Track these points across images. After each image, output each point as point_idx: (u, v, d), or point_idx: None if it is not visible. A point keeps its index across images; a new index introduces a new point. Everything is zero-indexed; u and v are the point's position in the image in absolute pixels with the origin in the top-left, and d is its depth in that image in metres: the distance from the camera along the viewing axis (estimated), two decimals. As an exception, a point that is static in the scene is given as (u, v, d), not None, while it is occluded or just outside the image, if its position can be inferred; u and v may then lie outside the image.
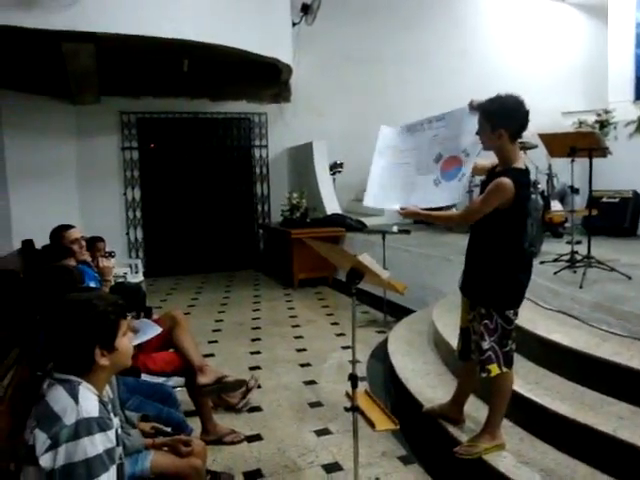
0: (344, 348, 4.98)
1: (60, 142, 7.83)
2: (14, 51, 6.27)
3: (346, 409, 2.50)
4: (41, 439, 1.36)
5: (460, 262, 3.25)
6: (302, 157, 8.77)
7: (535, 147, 5.55)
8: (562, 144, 3.92)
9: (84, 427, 1.37)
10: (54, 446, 1.35)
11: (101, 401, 1.47)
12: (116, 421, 1.63)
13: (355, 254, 2.36)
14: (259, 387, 4.00)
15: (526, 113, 2.49)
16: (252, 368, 4.50)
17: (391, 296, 5.94)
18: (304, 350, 4.94)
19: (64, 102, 7.69)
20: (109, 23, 5.54)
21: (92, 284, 3.43)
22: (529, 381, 2.97)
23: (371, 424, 2.35)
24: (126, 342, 1.56)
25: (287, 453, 3.09)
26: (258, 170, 9.33)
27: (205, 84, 8.45)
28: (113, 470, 1.42)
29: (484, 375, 2.54)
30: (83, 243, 3.42)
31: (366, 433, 3.23)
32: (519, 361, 3.24)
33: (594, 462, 2.43)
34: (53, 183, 7.70)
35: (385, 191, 2.98)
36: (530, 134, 5.11)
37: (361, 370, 4.37)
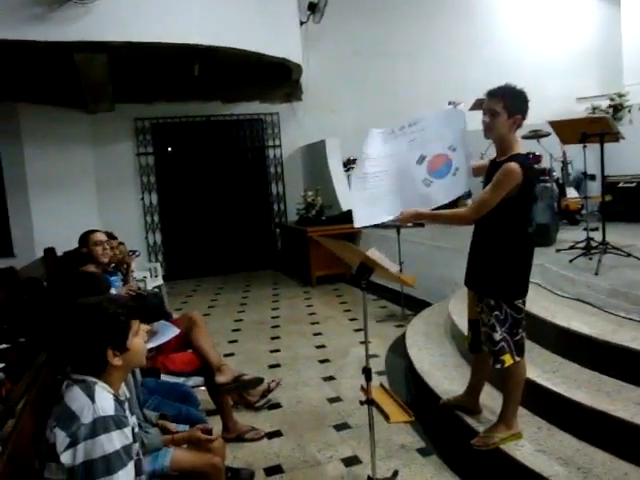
0: (362, 343, 4.95)
1: (77, 151, 7.99)
2: (30, 64, 6.41)
3: (361, 402, 2.53)
4: (61, 437, 1.42)
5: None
6: (316, 155, 8.80)
7: (548, 135, 5.50)
8: (573, 130, 3.88)
9: (101, 425, 1.42)
10: (73, 444, 1.41)
11: (117, 399, 1.53)
12: (133, 419, 1.69)
13: (362, 249, 2.38)
14: (279, 384, 4.05)
15: (528, 104, 2.52)
16: (272, 366, 4.55)
17: (408, 290, 5.95)
18: (323, 347, 4.98)
19: (80, 111, 7.83)
20: (119, 31, 5.63)
21: (113, 290, 3.53)
22: (546, 370, 2.96)
23: (386, 416, 2.37)
24: (138, 342, 1.61)
25: (307, 448, 3.14)
26: (273, 170, 9.39)
27: (217, 87, 8.53)
28: (131, 465, 1.47)
29: (498, 366, 2.55)
30: (107, 246, 3.49)
31: (385, 426, 3.27)
32: (535, 349, 3.25)
33: (612, 449, 2.43)
34: (72, 191, 7.86)
35: (371, 205, 2.85)
36: (543, 121, 5.09)
37: (379, 364, 4.41)
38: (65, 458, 1.40)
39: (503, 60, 9.18)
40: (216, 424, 3.30)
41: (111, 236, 3.91)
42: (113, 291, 3.44)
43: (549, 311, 3.35)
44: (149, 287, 5.81)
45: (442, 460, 2.89)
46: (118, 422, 1.46)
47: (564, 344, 3.09)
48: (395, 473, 2.73)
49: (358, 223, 2.83)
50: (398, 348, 4.64)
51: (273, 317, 6.17)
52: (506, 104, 2.47)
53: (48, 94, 7.36)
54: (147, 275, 6.11)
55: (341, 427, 3.36)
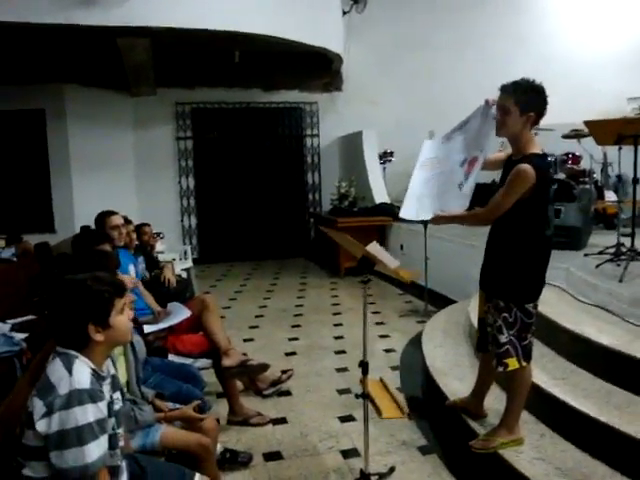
0: (381, 337, 4.98)
1: (119, 132, 8.22)
2: (76, 47, 6.62)
3: (357, 396, 2.52)
4: (38, 406, 1.48)
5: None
6: (352, 146, 8.76)
7: (589, 135, 5.28)
8: (608, 131, 3.70)
9: (76, 397, 1.47)
10: (49, 413, 1.46)
11: (96, 374, 1.57)
12: (116, 395, 1.74)
13: (363, 245, 2.36)
14: (289, 377, 4.06)
15: (547, 99, 2.40)
16: (288, 354, 4.58)
17: (434, 286, 5.89)
18: (341, 338, 4.98)
19: (123, 94, 8.05)
20: (161, 17, 5.75)
21: (131, 267, 3.63)
22: (556, 376, 2.87)
23: (378, 411, 2.35)
24: (122, 319, 1.65)
25: (309, 437, 3.15)
26: (309, 159, 9.40)
27: (257, 74, 8.59)
28: (104, 439, 1.52)
29: (501, 369, 2.48)
30: (123, 230, 3.57)
31: (390, 422, 3.27)
32: (548, 355, 3.17)
33: (615, 463, 2.34)
34: (112, 172, 8.10)
35: (421, 202, 2.97)
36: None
37: (395, 359, 4.39)
38: (40, 426, 1.46)
39: (552, 56, 8.85)
40: (223, 407, 3.38)
41: (126, 220, 3.99)
42: (132, 271, 3.56)
43: (566, 316, 3.24)
44: (177, 269, 5.93)
45: (441, 460, 2.85)
46: (93, 396, 1.50)
47: (577, 351, 2.99)
48: (391, 469, 2.72)
49: (403, 215, 3.03)
50: (416, 344, 4.59)
51: (297, 305, 6.21)
52: (518, 100, 2.37)
53: (93, 77, 7.61)
54: (176, 257, 6.22)
55: (346, 419, 3.35)
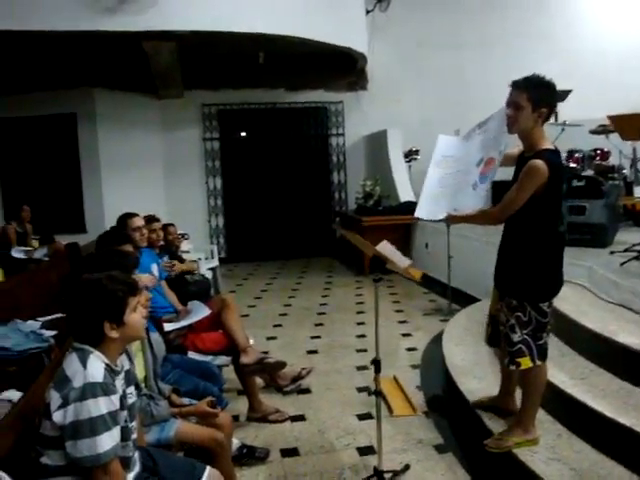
0: (404, 335, 4.99)
1: (147, 134, 8.42)
2: (105, 52, 6.81)
3: (369, 393, 2.54)
4: (55, 398, 1.56)
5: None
6: (377, 145, 8.75)
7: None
8: (632, 126, 3.63)
9: (89, 390, 1.54)
10: (64, 405, 1.54)
11: (109, 369, 1.64)
12: (130, 389, 1.81)
13: (372, 245, 2.39)
14: (309, 372, 4.11)
15: (557, 95, 2.39)
16: (310, 352, 4.63)
17: (459, 285, 5.86)
18: (363, 336, 4.99)
19: (150, 97, 8.26)
20: (185, 21, 5.86)
21: (154, 266, 3.72)
22: (574, 376, 2.84)
23: (390, 409, 2.37)
24: (135, 317, 1.72)
25: (326, 434, 3.19)
26: (335, 158, 9.43)
27: (282, 75, 8.66)
28: (116, 431, 1.58)
29: (512, 367, 2.47)
30: (145, 231, 3.65)
31: (407, 420, 3.28)
32: (568, 354, 3.13)
33: (633, 465, 2.30)
34: (141, 172, 8.30)
35: (436, 201, 3.01)
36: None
37: (416, 357, 4.38)
38: (57, 417, 1.54)
39: (580, 52, 8.69)
40: (243, 404, 3.45)
41: (153, 219, 4.08)
42: (154, 270, 3.65)
43: (588, 315, 3.19)
44: (202, 269, 6.04)
45: (457, 458, 2.84)
46: (106, 389, 1.57)
47: (597, 351, 2.94)
48: (406, 467, 2.73)
49: (418, 214, 3.12)
50: (438, 342, 4.57)
51: (321, 304, 6.25)
52: (530, 96, 2.36)
53: (121, 80, 7.82)
54: (202, 257, 6.33)
55: (364, 417, 3.37)
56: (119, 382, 1.68)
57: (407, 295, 6.53)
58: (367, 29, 8.09)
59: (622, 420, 2.38)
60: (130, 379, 1.82)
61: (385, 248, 2.28)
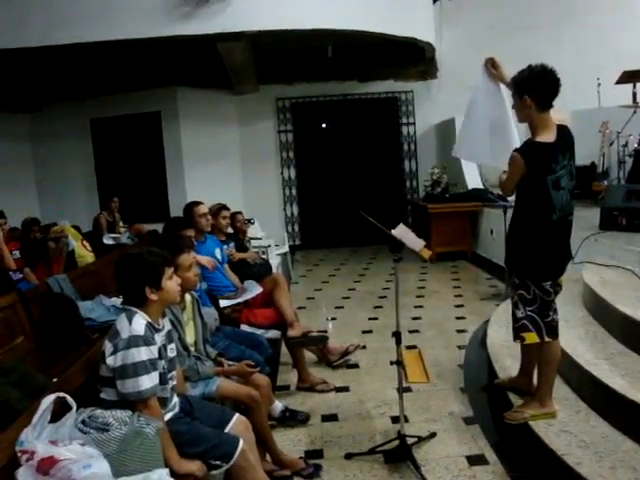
0: (458, 318, 5.13)
1: (225, 128, 8.99)
2: (184, 54, 7.40)
3: (391, 362, 2.78)
4: (108, 346, 1.98)
5: (580, 236, 3.14)
6: (446, 133, 8.76)
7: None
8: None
9: (133, 341, 1.94)
10: (114, 352, 1.95)
11: (151, 326, 2.03)
12: (171, 345, 2.19)
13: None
14: (364, 347, 4.40)
15: (554, 80, 2.46)
16: (364, 332, 4.90)
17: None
18: (418, 318, 5.19)
19: (227, 93, 8.81)
20: (253, 21, 6.25)
21: (217, 250, 4.14)
22: (599, 356, 2.91)
23: (405, 376, 2.61)
24: (171, 284, 2.09)
25: (365, 404, 3.47)
26: (406, 147, 9.54)
27: (352, 67, 8.89)
28: (155, 375, 1.97)
29: (518, 342, 2.62)
30: (209, 217, 4.04)
31: (443, 394, 3.49)
32: (601, 337, 3.22)
33: (642, 439, 2.39)
34: (220, 164, 8.90)
35: (473, 147, 3.08)
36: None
37: (464, 339, 4.53)
38: (109, 361, 1.95)
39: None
40: (295, 375, 3.80)
41: (224, 207, 4.47)
42: (217, 254, 4.05)
43: (626, 299, 3.21)
44: (272, 254, 6.47)
45: (482, 430, 3.02)
46: (146, 340, 1.96)
47: (627, 332, 2.98)
48: (432, 434, 2.95)
49: (455, 153, 3.21)
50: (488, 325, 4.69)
51: (384, 288, 6.46)
52: (516, 87, 2.50)
53: (201, 79, 8.42)
54: (271, 243, 6.75)
55: (403, 390, 3.60)
56: (159, 337, 2.07)
57: (470, 280, 6.63)
58: (436, 17, 8.11)
59: (632, 397, 2.46)
60: (171, 338, 2.20)
61: (400, 231, 2.50)
